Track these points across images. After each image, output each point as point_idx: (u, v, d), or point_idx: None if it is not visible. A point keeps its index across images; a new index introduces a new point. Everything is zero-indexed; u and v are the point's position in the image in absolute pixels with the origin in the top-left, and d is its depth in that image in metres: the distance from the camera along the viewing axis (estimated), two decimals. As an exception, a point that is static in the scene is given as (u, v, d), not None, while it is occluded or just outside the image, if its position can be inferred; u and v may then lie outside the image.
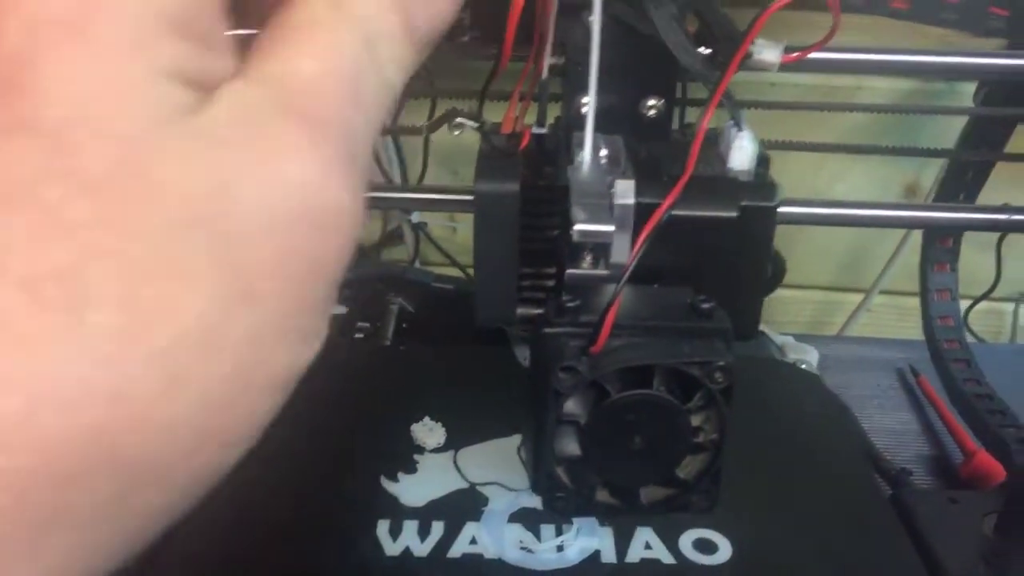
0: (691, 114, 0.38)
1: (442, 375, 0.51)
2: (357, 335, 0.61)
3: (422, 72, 0.66)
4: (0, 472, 0.14)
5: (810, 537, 0.41)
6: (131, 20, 0.17)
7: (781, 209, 0.31)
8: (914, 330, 0.78)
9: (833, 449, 0.46)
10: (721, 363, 0.28)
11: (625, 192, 0.31)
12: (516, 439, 0.46)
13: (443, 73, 0.69)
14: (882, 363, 0.71)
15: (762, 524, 0.40)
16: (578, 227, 0.30)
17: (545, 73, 0.34)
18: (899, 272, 0.74)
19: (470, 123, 0.39)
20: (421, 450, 0.45)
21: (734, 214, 0.31)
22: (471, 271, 0.78)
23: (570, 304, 0.29)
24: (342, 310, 0.66)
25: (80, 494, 0.15)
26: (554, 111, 0.37)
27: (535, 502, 0.42)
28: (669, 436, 0.29)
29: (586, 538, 0.40)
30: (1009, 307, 0.78)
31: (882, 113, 0.69)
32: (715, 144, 0.34)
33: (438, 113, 0.65)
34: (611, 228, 0.30)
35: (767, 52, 0.33)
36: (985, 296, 0.73)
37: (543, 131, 0.36)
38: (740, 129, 0.33)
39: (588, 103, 0.35)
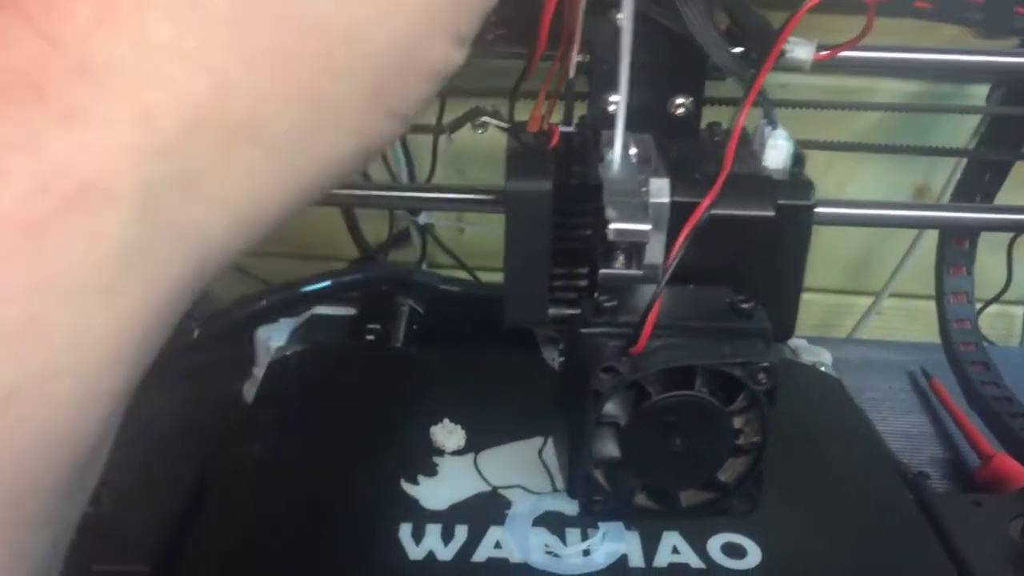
0: (710, 113, 0.38)
1: (460, 377, 0.50)
2: (368, 337, 0.61)
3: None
4: None
5: (839, 541, 0.40)
6: None
7: (818, 209, 0.31)
8: (924, 332, 0.78)
9: (857, 453, 0.46)
10: (764, 364, 0.28)
11: (660, 190, 0.31)
12: (537, 441, 0.45)
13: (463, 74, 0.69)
14: (893, 366, 0.71)
15: (791, 528, 0.40)
16: (613, 226, 0.30)
17: (572, 72, 0.34)
18: (909, 275, 0.74)
19: (495, 122, 0.38)
20: (441, 453, 0.44)
21: (771, 213, 0.31)
22: (479, 273, 0.78)
23: (608, 304, 0.29)
24: (350, 312, 0.65)
25: None
26: (578, 109, 0.36)
27: (559, 505, 0.42)
28: (711, 438, 0.29)
29: (612, 542, 0.39)
30: (1019, 310, 0.78)
31: (893, 115, 0.69)
32: (748, 142, 0.34)
33: (451, 113, 0.66)
34: (648, 227, 0.30)
35: (799, 50, 0.33)
36: (996, 299, 0.73)
37: (570, 129, 0.35)
38: (775, 127, 0.32)
39: (617, 101, 0.35)
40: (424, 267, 0.76)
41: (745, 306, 0.29)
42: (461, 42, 0.23)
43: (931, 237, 0.71)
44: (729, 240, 0.31)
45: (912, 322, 0.79)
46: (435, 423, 0.46)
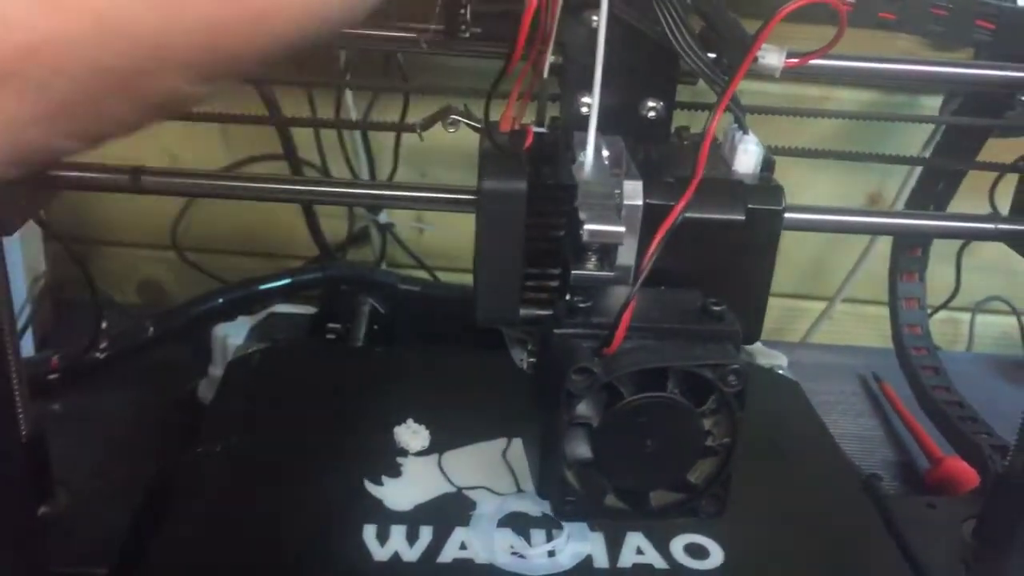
0: (678, 118, 0.38)
1: (423, 377, 0.50)
2: (329, 336, 0.60)
3: (396, 69, 0.65)
4: None
5: (799, 542, 0.41)
6: None
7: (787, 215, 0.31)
8: (873, 337, 0.80)
9: (816, 455, 0.47)
10: (735, 366, 0.28)
11: (634, 193, 0.31)
12: (501, 442, 0.45)
13: (418, 71, 0.69)
14: (845, 369, 0.73)
15: (752, 529, 0.40)
16: (588, 227, 0.30)
17: (546, 72, 0.34)
18: (860, 280, 0.75)
19: (467, 121, 0.38)
20: (405, 453, 0.44)
21: (741, 217, 0.31)
22: (438, 273, 0.78)
23: (581, 305, 0.29)
24: (310, 310, 0.64)
25: None
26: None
27: (523, 506, 0.42)
28: (681, 439, 0.29)
29: (577, 543, 0.40)
30: (966, 316, 0.79)
31: (848, 123, 0.70)
32: (717, 147, 0.34)
33: (415, 110, 0.65)
34: (622, 229, 0.30)
35: (770, 57, 0.33)
36: (944, 305, 0.75)
37: (542, 130, 0.35)
38: (745, 133, 0.33)
39: (589, 103, 0.35)
40: (384, 266, 0.76)
41: (716, 308, 0.29)
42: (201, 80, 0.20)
43: (882, 244, 0.72)
44: (699, 243, 0.31)
45: (862, 327, 0.80)
46: (399, 423, 0.45)
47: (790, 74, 0.34)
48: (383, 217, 0.74)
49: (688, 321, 0.29)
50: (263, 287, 0.68)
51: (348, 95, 0.69)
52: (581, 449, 0.29)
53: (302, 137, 0.70)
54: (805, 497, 0.44)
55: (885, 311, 0.67)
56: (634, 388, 0.28)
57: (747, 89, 0.64)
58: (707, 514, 0.30)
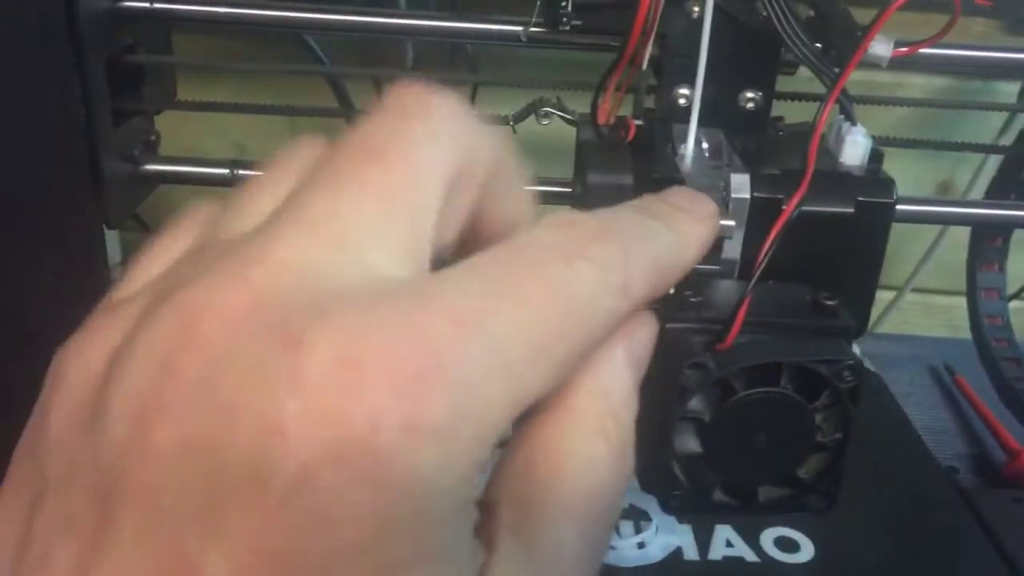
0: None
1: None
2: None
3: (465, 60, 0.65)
4: None
5: (889, 536, 0.40)
6: None
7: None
8: (943, 328, 0.79)
9: (902, 448, 0.46)
10: (850, 362, 0.28)
11: (741, 186, 0.31)
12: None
13: (488, 63, 0.69)
14: (915, 360, 0.72)
15: (842, 523, 0.40)
16: (696, 221, 0.30)
17: (645, 64, 0.34)
18: (930, 271, 0.74)
19: (560, 114, 0.38)
20: (490, 445, 0.44)
21: (851, 210, 0.31)
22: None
23: (693, 300, 0.29)
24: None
25: None
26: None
27: (610, 498, 0.42)
28: (792, 435, 0.29)
29: (666, 535, 0.40)
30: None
31: (920, 110, 0.69)
32: (823, 139, 0.34)
33: (482, 103, 0.65)
34: (732, 223, 0.30)
35: (879, 47, 0.33)
36: (1017, 295, 0.73)
37: (639, 123, 0.35)
38: (853, 124, 0.32)
39: (688, 95, 0.35)
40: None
41: (828, 303, 0.29)
42: None
43: (954, 233, 0.71)
44: (807, 236, 0.31)
45: (930, 317, 0.79)
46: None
47: (895, 63, 0.33)
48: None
49: (800, 316, 0.29)
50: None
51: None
52: (690, 443, 0.29)
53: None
54: (893, 491, 0.43)
55: (955, 301, 0.65)
56: (747, 383, 0.28)
57: (808, 84, 0.63)
58: (815, 510, 0.30)
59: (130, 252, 0.62)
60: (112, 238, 0.67)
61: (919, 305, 0.79)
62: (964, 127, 0.70)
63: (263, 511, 0.15)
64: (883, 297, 0.78)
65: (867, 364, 0.56)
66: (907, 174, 0.74)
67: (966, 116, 0.71)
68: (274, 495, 0.15)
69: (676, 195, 0.24)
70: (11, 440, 0.17)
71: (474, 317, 0.17)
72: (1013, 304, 0.73)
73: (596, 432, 0.20)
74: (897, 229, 0.79)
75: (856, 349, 0.62)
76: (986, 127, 0.68)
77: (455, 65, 0.69)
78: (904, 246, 0.77)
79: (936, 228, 0.74)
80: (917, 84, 0.72)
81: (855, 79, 0.70)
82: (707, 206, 0.24)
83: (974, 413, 0.64)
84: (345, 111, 0.67)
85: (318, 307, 0.16)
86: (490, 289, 0.17)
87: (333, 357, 0.15)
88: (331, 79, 0.64)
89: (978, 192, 0.67)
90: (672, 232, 0.22)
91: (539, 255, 0.18)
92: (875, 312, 0.79)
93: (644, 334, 0.21)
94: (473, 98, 0.67)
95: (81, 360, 0.17)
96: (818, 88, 0.39)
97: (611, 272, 0.19)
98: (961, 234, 0.66)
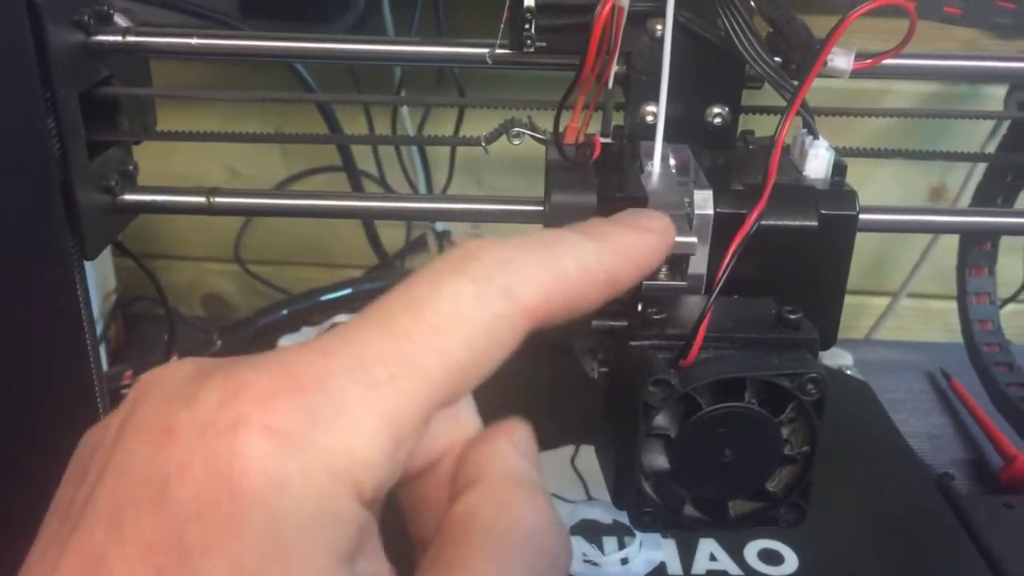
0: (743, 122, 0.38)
1: (487, 384, 0.50)
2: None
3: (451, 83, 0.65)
4: None
5: (875, 546, 0.40)
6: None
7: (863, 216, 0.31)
8: (939, 333, 0.78)
9: (889, 457, 0.46)
10: (813, 375, 0.28)
11: (704, 202, 0.31)
12: (569, 450, 0.46)
13: (476, 83, 0.69)
14: (912, 366, 0.72)
15: (827, 534, 0.40)
16: (660, 238, 0.30)
17: (611, 83, 0.34)
18: (925, 275, 0.74)
19: (531, 133, 0.38)
20: (475, 463, 0.44)
21: (814, 223, 0.31)
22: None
23: (656, 316, 0.29)
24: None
25: None
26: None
27: (594, 514, 0.42)
28: (759, 449, 0.29)
29: (650, 550, 0.40)
30: (1036, 309, 0.78)
31: (911, 117, 0.69)
32: (786, 152, 0.34)
33: (470, 120, 0.66)
34: (694, 239, 0.30)
35: (839, 59, 0.33)
36: (1013, 298, 0.73)
37: (607, 140, 0.36)
38: (816, 137, 0.33)
39: (655, 112, 0.35)
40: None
41: (792, 317, 0.29)
42: None
43: (947, 238, 0.71)
44: (772, 250, 0.31)
45: (928, 322, 0.79)
46: (467, 432, 0.46)
47: (857, 74, 0.33)
48: (439, 226, 0.75)
49: (764, 330, 0.29)
50: (325, 297, 0.69)
51: (403, 108, 0.70)
52: (658, 460, 0.29)
53: (359, 148, 0.71)
54: (879, 501, 0.43)
55: (951, 305, 0.65)
56: (711, 398, 0.28)
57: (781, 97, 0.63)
58: (786, 523, 0.30)
59: (124, 277, 0.62)
60: (106, 264, 0.67)
61: (915, 310, 0.79)
62: (953, 132, 0.71)
63: (150, 506, 0.17)
64: (879, 303, 0.78)
65: (855, 373, 0.56)
66: (898, 180, 0.75)
67: (955, 121, 0.71)
68: (157, 489, 0.17)
69: (624, 214, 0.25)
70: None
71: (340, 344, 0.19)
72: (1007, 308, 0.73)
73: (503, 505, 0.21)
74: (890, 235, 0.79)
75: (849, 357, 0.62)
76: (976, 131, 0.68)
77: (439, 86, 0.69)
78: (898, 251, 0.77)
79: (929, 234, 0.74)
80: (905, 90, 0.72)
81: (841, 86, 0.70)
82: (653, 221, 0.25)
83: (971, 418, 0.64)
84: (334, 137, 0.67)
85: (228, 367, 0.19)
86: (361, 320, 0.20)
87: (222, 384, 0.18)
88: (319, 104, 0.65)
89: (969, 195, 0.67)
90: (592, 241, 0.23)
91: (412, 283, 0.21)
92: (871, 318, 0.79)
93: (522, 432, 0.24)
94: (459, 119, 0.68)
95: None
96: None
97: (488, 281, 0.21)
98: (954, 238, 0.66)
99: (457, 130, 0.67)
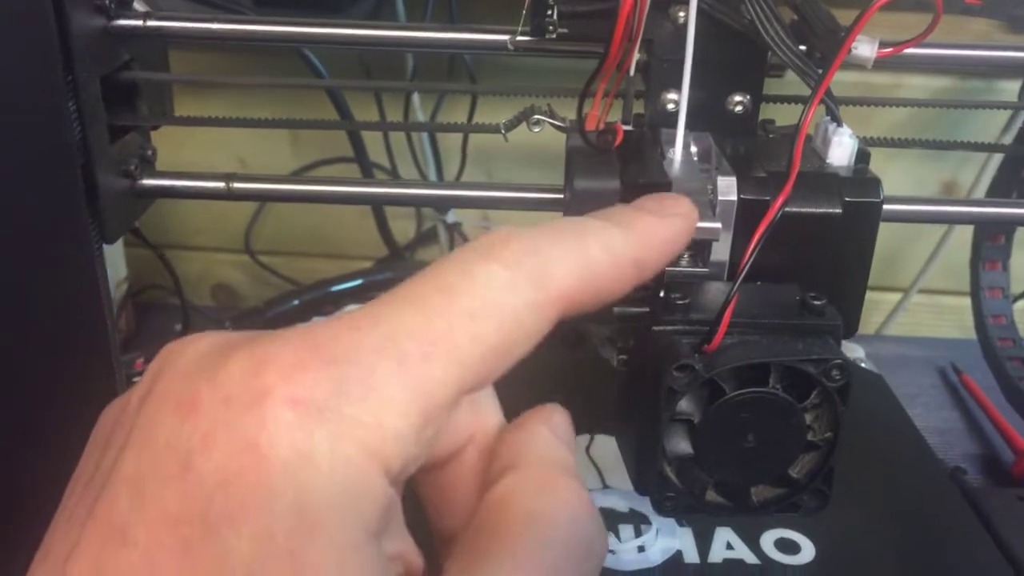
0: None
1: (506, 373, 0.50)
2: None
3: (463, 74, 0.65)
4: None
5: (891, 537, 0.40)
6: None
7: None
8: (951, 328, 0.78)
9: (904, 449, 0.46)
10: (838, 361, 0.28)
11: (728, 188, 0.31)
12: (584, 439, 0.46)
13: (488, 72, 0.69)
14: (923, 361, 0.71)
15: (843, 524, 0.40)
16: (683, 224, 0.30)
17: (633, 70, 0.34)
18: (937, 271, 0.74)
19: (551, 121, 0.38)
20: (490, 451, 0.44)
21: (838, 210, 0.31)
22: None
23: (680, 302, 0.29)
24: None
25: None
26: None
27: (610, 502, 0.42)
28: (783, 434, 0.29)
29: (666, 538, 0.40)
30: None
31: (922, 110, 0.69)
32: (809, 140, 0.34)
33: (481, 116, 0.66)
34: (718, 225, 0.30)
35: (863, 48, 0.33)
36: (1024, 295, 0.73)
37: (628, 128, 0.36)
38: (839, 125, 0.33)
39: (676, 99, 0.35)
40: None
41: (817, 303, 0.29)
42: None
43: (959, 233, 0.71)
44: (795, 237, 0.31)
45: (939, 318, 0.79)
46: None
47: (880, 64, 0.33)
48: (450, 217, 0.75)
49: (788, 316, 0.29)
50: (336, 288, 0.69)
51: (416, 100, 0.69)
52: (681, 445, 0.29)
53: (371, 141, 0.71)
54: (895, 492, 0.43)
55: (962, 301, 0.65)
56: (735, 384, 0.28)
57: (806, 86, 0.63)
58: (809, 509, 0.30)
59: (134, 266, 0.62)
60: (117, 253, 0.67)
61: (927, 306, 0.78)
62: (966, 127, 0.70)
63: (174, 478, 0.17)
64: (890, 299, 0.78)
65: (869, 365, 0.56)
66: (910, 174, 0.74)
67: (968, 116, 0.71)
68: (181, 461, 0.17)
69: (646, 199, 0.25)
70: None
71: (370, 320, 0.19)
72: (1021, 303, 0.73)
73: (544, 489, 0.21)
74: (902, 230, 0.79)
75: (861, 351, 0.62)
76: (989, 126, 0.68)
77: (452, 75, 0.69)
78: (910, 247, 0.77)
79: (941, 228, 0.74)
80: (917, 84, 0.72)
81: (852, 81, 0.70)
82: (677, 206, 0.25)
83: (982, 413, 0.64)
84: (345, 123, 0.67)
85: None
86: (391, 299, 0.20)
87: (247, 356, 0.18)
88: (331, 92, 0.65)
89: (981, 192, 0.67)
90: (618, 228, 0.23)
91: (441, 267, 0.21)
92: (882, 313, 0.79)
93: (560, 418, 0.24)
94: (472, 107, 0.68)
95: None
96: (806, 90, 0.39)
97: (519, 268, 0.21)
98: (967, 234, 0.66)
99: (470, 120, 0.67)
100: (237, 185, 0.38)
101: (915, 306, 0.77)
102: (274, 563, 0.17)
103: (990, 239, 0.57)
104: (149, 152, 0.39)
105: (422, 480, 0.23)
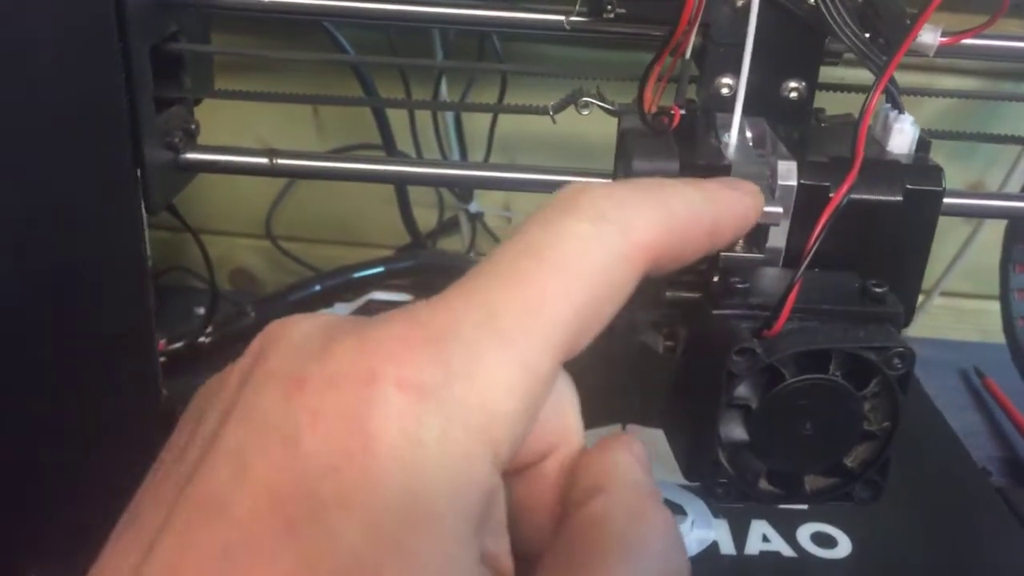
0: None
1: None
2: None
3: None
4: None
5: (928, 532, 0.40)
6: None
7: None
8: (971, 332, 0.78)
9: (938, 445, 0.46)
10: (900, 349, 0.27)
11: (788, 173, 0.31)
12: (617, 429, 0.45)
13: (519, 56, 0.69)
14: (944, 364, 0.71)
15: (879, 519, 0.39)
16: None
17: (689, 53, 0.33)
18: (958, 274, 0.74)
19: (600, 104, 0.38)
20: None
21: (899, 198, 0.31)
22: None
23: (739, 286, 0.29)
24: (407, 298, 0.65)
25: None
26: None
27: (646, 493, 0.41)
28: (840, 423, 0.28)
29: (702, 529, 0.39)
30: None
31: (953, 111, 0.69)
32: (869, 127, 0.34)
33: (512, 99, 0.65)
34: (779, 210, 0.29)
35: (927, 35, 0.32)
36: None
37: (682, 111, 0.35)
38: (901, 112, 0.32)
39: (730, 83, 0.35)
40: (473, 255, 0.76)
41: (878, 290, 0.29)
42: None
43: (984, 236, 0.71)
44: (855, 224, 0.31)
45: (959, 321, 0.79)
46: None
47: (941, 52, 0.33)
48: (473, 206, 0.74)
49: (849, 303, 0.29)
50: (358, 275, 0.69)
51: (444, 88, 0.69)
52: (736, 431, 0.29)
53: (395, 127, 0.70)
54: (930, 488, 0.43)
55: (984, 305, 0.65)
56: (795, 370, 0.28)
57: (849, 76, 0.63)
58: (862, 500, 0.30)
59: (159, 251, 0.62)
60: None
61: (949, 309, 0.78)
62: (997, 126, 0.70)
63: (279, 454, 0.17)
64: (911, 300, 0.78)
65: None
66: (936, 176, 0.74)
67: (999, 115, 0.70)
68: (288, 438, 0.17)
69: (714, 180, 0.25)
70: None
71: (463, 298, 0.19)
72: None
73: (637, 515, 0.21)
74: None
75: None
76: (1018, 128, 0.68)
77: (481, 58, 0.69)
78: (932, 249, 0.77)
79: (965, 231, 0.74)
80: (949, 85, 0.71)
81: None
82: (746, 184, 0.25)
83: (1004, 416, 0.63)
84: (372, 101, 0.67)
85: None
86: (480, 272, 0.19)
87: (353, 336, 0.18)
88: (358, 70, 0.64)
89: (1009, 193, 0.67)
90: (696, 190, 0.23)
91: (526, 229, 0.20)
92: (903, 315, 0.79)
93: (639, 447, 0.23)
94: (503, 89, 0.68)
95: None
96: (856, 79, 0.39)
97: (604, 220, 0.20)
98: (991, 237, 0.66)
99: (500, 101, 0.67)
100: (281, 161, 0.37)
101: (936, 309, 0.77)
102: (382, 554, 0.16)
103: (1020, 241, 0.57)
104: (192, 126, 0.38)
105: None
